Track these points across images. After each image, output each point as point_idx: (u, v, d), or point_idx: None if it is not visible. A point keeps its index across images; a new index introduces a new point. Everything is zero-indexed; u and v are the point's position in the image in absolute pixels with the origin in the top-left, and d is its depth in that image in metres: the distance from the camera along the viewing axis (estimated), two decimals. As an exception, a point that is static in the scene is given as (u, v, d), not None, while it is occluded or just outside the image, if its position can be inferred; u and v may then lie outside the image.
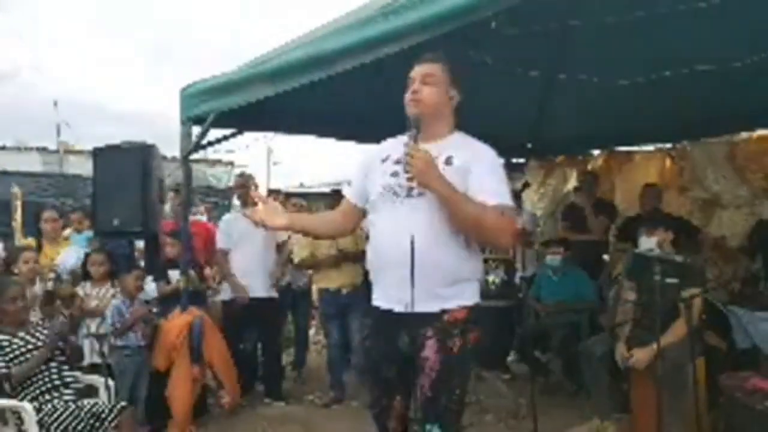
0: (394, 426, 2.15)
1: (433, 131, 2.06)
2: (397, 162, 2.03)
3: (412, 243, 1.91)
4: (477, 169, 1.99)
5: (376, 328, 2.16)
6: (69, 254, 4.58)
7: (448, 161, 2.00)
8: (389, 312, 2.06)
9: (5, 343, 3.02)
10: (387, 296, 2.07)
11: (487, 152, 2.09)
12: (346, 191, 2.27)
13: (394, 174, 2.04)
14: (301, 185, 14.01)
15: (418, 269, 1.92)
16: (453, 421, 2.06)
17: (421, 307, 1.97)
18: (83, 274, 4.19)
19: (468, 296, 2.06)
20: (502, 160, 2.13)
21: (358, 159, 2.28)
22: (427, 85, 2.05)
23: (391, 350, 2.07)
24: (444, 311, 2.00)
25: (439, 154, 1.97)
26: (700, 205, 5.14)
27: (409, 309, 1.97)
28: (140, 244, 4.88)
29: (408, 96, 2.07)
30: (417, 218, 1.96)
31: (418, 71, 2.08)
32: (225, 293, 4.62)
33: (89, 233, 5.11)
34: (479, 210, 1.92)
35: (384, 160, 2.12)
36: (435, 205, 1.94)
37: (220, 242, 4.63)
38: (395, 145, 2.11)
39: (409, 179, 1.90)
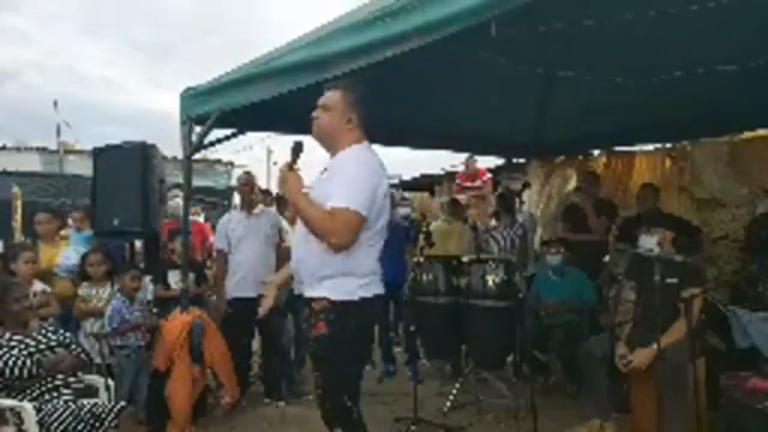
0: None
1: (331, 148, 2.43)
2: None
3: (297, 243, 2.42)
4: (335, 177, 2.30)
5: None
6: (69, 254, 4.58)
7: (323, 172, 2.37)
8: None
9: (14, 342, 3.04)
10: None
11: (348, 160, 2.34)
12: None
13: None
14: (301, 185, 13.98)
15: (300, 263, 2.37)
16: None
17: (308, 293, 2.36)
18: (81, 274, 4.19)
19: (332, 291, 2.31)
20: (364, 166, 2.33)
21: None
22: (325, 112, 2.40)
23: None
24: (311, 299, 2.34)
25: (331, 166, 2.37)
26: (700, 205, 5.14)
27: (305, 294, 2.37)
28: (138, 244, 4.88)
29: (313, 124, 2.42)
30: (299, 227, 2.39)
31: (320, 100, 2.43)
32: (226, 293, 4.61)
33: (89, 233, 5.11)
34: (312, 213, 2.27)
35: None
36: None
37: (219, 243, 4.62)
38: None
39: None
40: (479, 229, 5.25)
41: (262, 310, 2.60)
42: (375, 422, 2.21)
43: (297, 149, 2.41)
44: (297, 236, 2.46)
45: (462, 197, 6.95)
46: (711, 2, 2.63)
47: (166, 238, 4.74)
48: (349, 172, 2.29)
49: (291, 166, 2.40)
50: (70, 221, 5.62)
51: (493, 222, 5.81)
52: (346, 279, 2.30)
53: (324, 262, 2.30)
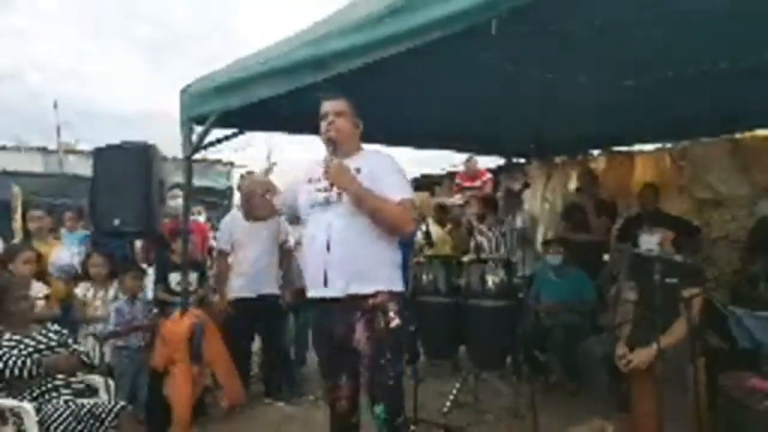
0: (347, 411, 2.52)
1: (346, 151, 2.54)
2: (317, 180, 2.51)
3: (330, 239, 2.39)
4: (381, 173, 2.45)
5: (317, 319, 2.59)
6: (62, 254, 4.58)
7: (358, 170, 2.44)
8: (324, 300, 2.42)
9: (14, 342, 3.04)
10: (314, 289, 2.46)
11: (386, 158, 2.56)
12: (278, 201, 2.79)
13: (317, 190, 2.51)
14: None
15: (338, 260, 2.37)
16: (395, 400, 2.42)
17: (351, 291, 2.36)
18: (84, 275, 4.19)
19: (384, 280, 2.42)
20: (397, 161, 2.57)
21: (290, 182, 2.77)
22: (339, 117, 2.53)
23: (329, 336, 2.46)
24: (365, 295, 2.37)
25: (352, 166, 2.44)
26: (700, 205, 5.14)
27: (339, 295, 2.37)
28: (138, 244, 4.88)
29: (325, 126, 2.52)
30: (338, 220, 2.41)
31: (331, 107, 2.54)
32: (229, 293, 4.61)
33: (82, 233, 5.11)
34: (384, 204, 2.38)
35: (308, 181, 2.59)
36: (349, 208, 2.39)
37: (221, 243, 4.62)
38: (315, 168, 2.55)
39: (331, 185, 2.38)
40: (475, 228, 5.26)
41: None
42: (375, 422, 2.22)
43: (333, 147, 2.51)
44: (345, 233, 2.40)
45: (459, 197, 6.96)
46: (711, 2, 2.63)
47: (168, 238, 4.74)
48: (396, 168, 2.51)
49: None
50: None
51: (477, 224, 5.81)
52: (397, 271, 2.49)
53: (383, 256, 2.44)
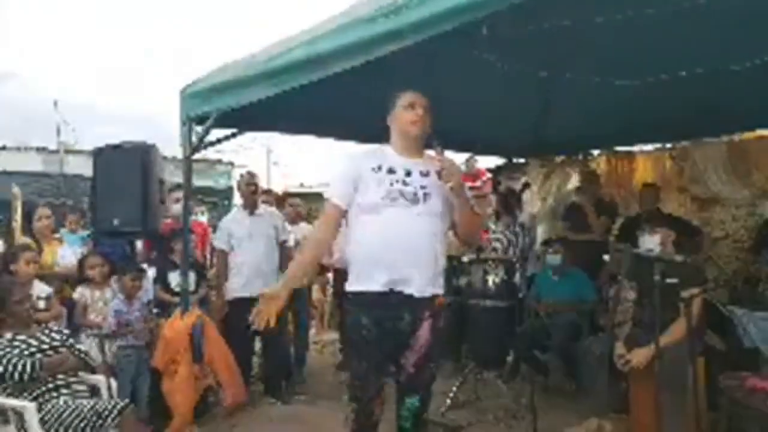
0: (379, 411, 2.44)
1: (418, 150, 2.52)
2: (391, 171, 2.41)
3: (419, 238, 2.35)
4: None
5: (375, 312, 2.38)
6: (65, 252, 4.59)
7: (427, 174, 2.42)
8: (394, 294, 2.34)
9: (15, 342, 3.05)
10: (391, 282, 2.34)
11: (461, 167, 2.68)
12: (335, 198, 2.49)
13: (397, 182, 2.39)
14: (301, 185, 14.00)
15: (424, 260, 2.35)
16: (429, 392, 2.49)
17: (426, 292, 2.36)
18: (79, 276, 4.18)
19: (442, 285, 2.47)
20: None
21: (343, 168, 2.53)
22: (426, 113, 2.47)
23: (391, 327, 2.37)
24: (435, 296, 2.39)
25: (424, 168, 2.43)
26: (700, 205, 5.15)
27: (416, 293, 2.34)
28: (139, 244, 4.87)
29: (414, 117, 2.45)
30: (423, 219, 2.37)
31: (420, 100, 2.47)
32: (228, 293, 4.61)
33: (83, 233, 5.11)
34: (480, 215, 2.49)
35: (376, 170, 2.43)
36: (435, 209, 2.38)
37: (220, 243, 4.61)
38: (381, 156, 2.49)
39: (450, 187, 2.31)
40: (489, 230, 5.25)
41: (257, 323, 2.52)
42: (404, 413, 2.26)
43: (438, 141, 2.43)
44: (431, 235, 2.38)
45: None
46: (712, 2, 2.63)
47: (169, 237, 4.74)
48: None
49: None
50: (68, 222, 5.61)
51: (493, 224, 5.80)
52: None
53: (443, 259, 2.45)
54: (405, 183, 2.39)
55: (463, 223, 2.44)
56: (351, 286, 2.45)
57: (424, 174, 2.42)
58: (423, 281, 2.34)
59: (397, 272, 2.33)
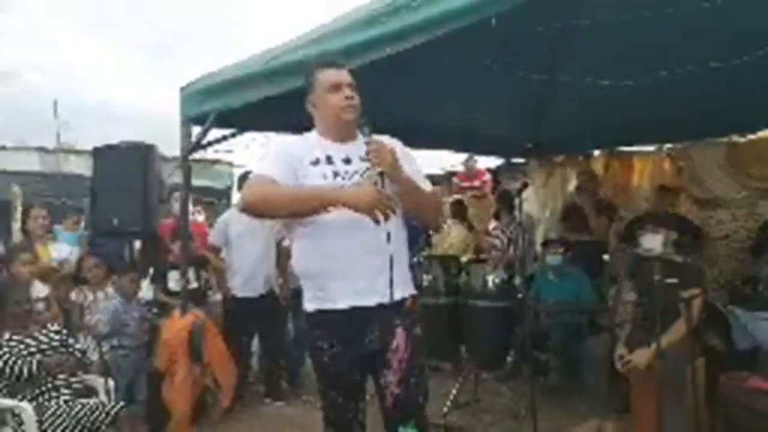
0: None
1: (351, 134, 2.10)
2: (328, 161, 2.05)
3: (389, 236, 1.96)
4: (406, 164, 2.03)
5: (339, 331, 2.04)
6: (61, 246, 4.58)
7: (348, 161, 2.06)
8: (357, 309, 2.00)
9: (14, 343, 3.05)
10: (355, 293, 2.00)
11: (398, 144, 2.14)
12: (274, 175, 2.01)
13: (337, 174, 2.03)
14: (301, 185, 13.97)
15: (386, 261, 1.97)
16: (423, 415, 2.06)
17: (395, 296, 1.99)
18: (75, 277, 4.17)
19: (411, 284, 2.15)
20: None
21: (278, 152, 2.10)
22: (354, 91, 2.08)
23: (358, 349, 2.02)
24: (404, 299, 2.06)
25: (360, 152, 2.02)
26: (700, 205, 5.14)
27: (386, 300, 1.98)
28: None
29: (344, 102, 2.04)
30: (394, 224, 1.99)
31: (344, 78, 2.08)
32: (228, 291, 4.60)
33: (80, 232, 5.10)
34: (430, 194, 2.12)
35: (314, 163, 2.05)
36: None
37: (214, 239, 4.62)
38: (313, 146, 2.09)
39: (380, 173, 1.90)
40: (478, 230, 5.25)
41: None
42: (375, 422, 2.20)
43: (369, 124, 2.05)
44: (394, 231, 2.00)
45: (460, 197, 6.95)
46: (710, 2, 2.63)
47: (168, 238, 4.74)
48: (412, 156, 2.17)
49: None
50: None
51: (493, 223, 5.80)
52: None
53: (407, 255, 2.16)
54: (347, 174, 2.03)
55: (411, 206, 2.06)
56: (307, 305, 2.10)
57: (364, 159, 2.00)
58: (388, 285, 1.96)
59: (355, 282, 1.99)
